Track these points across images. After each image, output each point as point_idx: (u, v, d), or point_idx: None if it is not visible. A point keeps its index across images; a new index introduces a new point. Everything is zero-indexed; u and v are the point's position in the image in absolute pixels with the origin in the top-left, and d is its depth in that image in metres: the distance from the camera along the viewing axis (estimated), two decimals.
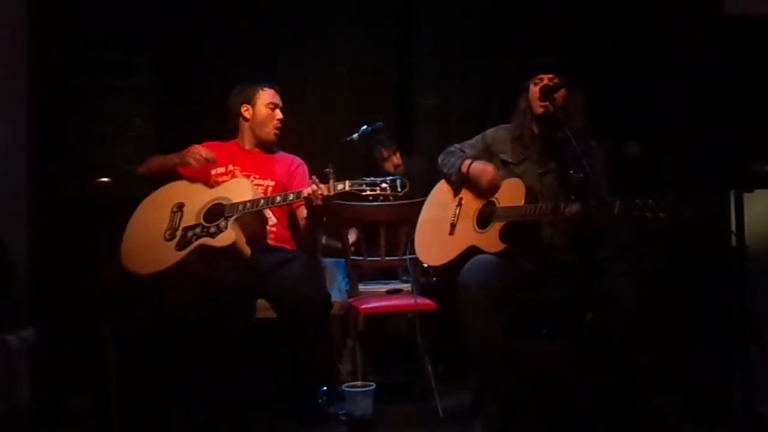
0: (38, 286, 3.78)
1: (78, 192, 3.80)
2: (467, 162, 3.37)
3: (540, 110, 3.24)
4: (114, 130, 4.00)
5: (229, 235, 3.11)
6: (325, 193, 3.09)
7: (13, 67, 3.87)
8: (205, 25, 4.53)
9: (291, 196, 3.18)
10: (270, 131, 3.53)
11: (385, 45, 4.76)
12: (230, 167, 3.47)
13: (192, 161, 3.34)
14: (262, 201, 3.19)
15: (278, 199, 3.19)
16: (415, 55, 4.78)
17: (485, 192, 3.33)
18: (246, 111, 3.53)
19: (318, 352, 3.27)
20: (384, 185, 3.05)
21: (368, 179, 3.07)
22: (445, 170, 3.48)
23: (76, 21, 4.10)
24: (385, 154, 4.52)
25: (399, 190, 3.06)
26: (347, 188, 3.08)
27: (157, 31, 4.34)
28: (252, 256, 3.17)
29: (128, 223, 3.32)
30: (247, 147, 3.56)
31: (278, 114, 3.53)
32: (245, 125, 3.55)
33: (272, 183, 3.48)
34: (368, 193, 3.06)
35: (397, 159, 4.57)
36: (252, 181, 3.40)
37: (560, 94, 3.17)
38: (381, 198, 3.09)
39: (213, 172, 3.44)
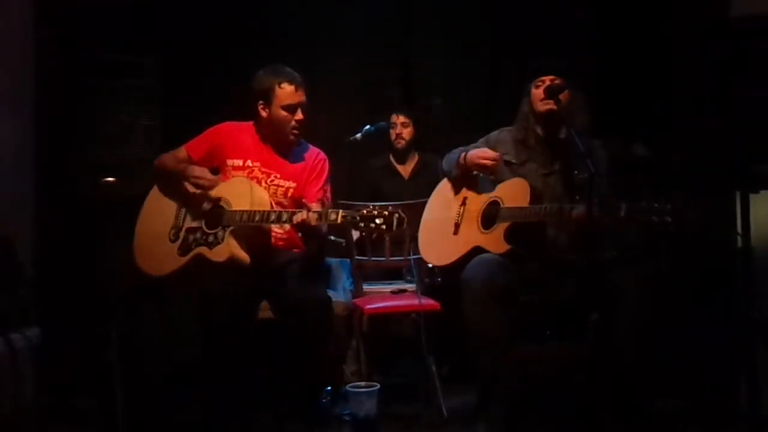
0: (44, 285, 3.80)
1: (85, 192, 3.82)
2: (463, 154, 3.37)
3: (544, 109, 3.23)
4: (121, 131, 4.01)
5: (225, 250, 3.09)
6: (313, 224, 2.98)
7: (20, 67, 3.89)
8: (212, 25, 4.52)
9: (284, 216, 3.05)
10: (287, 134, 3.27)
11: (391, 46, 4.76)
12: (249, 162, 3.30)
13: (190, 188, 3.21)
14: (257, 216, 3.07)
15: (272, 217, 3.08)
16: (420, 55, 4.78)
17: (488, 172, 3.31)
18: (262, 110, 3.27)
19: (321, 354, 3.25)
20: (379, 221, 2.85)
21: (365, 210, 2.88)
22: (446, 168, 3.48)
23: (83, 21, 4.11)
24: (393, 118, 4.41)
25: (394, 227, 2.85)
26: (339, 221, 2.93)
27: (165, 31, 4.34)
28: (253, 259, 3.13)
29: (140, 213, 3.31)
30: (267, 142, 3.34)
31: (297, 115, 3.23)
32: (263, 118, 3.30)
33: (293, 185, 3.32)
34: (361, 227, 2.89)
35: (404, 131, 4.44)
36: (272, 180, 3.31)
37: (564, 95, 3.17)
38: (374, 235, 2.96)
39: (230, 163, 3.30)
